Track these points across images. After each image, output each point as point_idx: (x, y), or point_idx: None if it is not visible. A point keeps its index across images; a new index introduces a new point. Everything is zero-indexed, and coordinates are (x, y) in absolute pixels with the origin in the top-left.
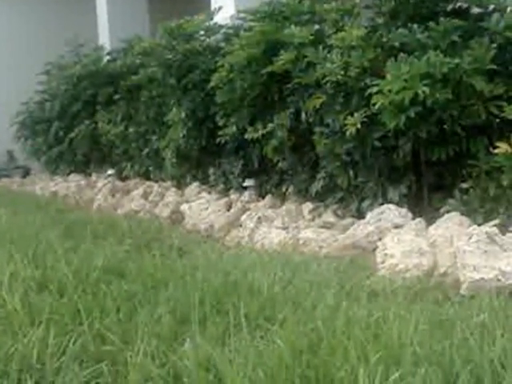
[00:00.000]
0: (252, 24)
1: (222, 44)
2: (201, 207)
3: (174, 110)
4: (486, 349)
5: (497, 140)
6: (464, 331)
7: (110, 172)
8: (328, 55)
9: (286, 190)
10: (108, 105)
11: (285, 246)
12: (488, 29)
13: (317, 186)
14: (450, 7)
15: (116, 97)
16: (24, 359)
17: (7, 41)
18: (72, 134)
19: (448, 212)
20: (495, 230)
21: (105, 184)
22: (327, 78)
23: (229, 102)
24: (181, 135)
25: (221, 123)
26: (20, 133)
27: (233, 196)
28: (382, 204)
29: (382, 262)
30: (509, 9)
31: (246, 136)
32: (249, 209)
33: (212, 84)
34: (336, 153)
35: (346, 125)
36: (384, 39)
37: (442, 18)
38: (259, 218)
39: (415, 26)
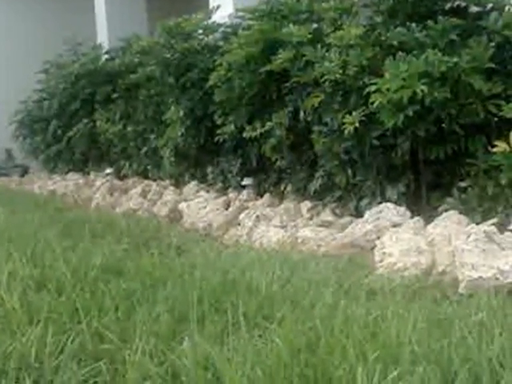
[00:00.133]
0: (250, 23)
1: (221, 43)
2: (199, 206)
3: (173, 108)
4: (485, 347)
5: (495, 139)
6: (462, 330)
7: (108, 171)
8: (326, 54)
9: (285, 188)
10: (106, 103)
11: (283, 245)
12: (486, 27)
13: (315, 184)
14: (448, 6)
15: (114, 95)
16: (22, 358)
17: (5, 39)
18: (70, 133)
19: (446, 211)
20: (493, 228)
21: (103, 183)
22: (325, 77)
23: (227, 100)
24: (179, 134)
25: (219, 122)
26: (18, 131)
27: (231, 195)
28: (381, 203)
29: (381, 261)
30: (507, 8)
31: (245, 135)
32: (247, 207)
33: (210, 83)
34: (334, 151)
35: (344, 123)
36: (382, 38)
37: (440, 17)
38: (257, 216)
39: (413, 24)
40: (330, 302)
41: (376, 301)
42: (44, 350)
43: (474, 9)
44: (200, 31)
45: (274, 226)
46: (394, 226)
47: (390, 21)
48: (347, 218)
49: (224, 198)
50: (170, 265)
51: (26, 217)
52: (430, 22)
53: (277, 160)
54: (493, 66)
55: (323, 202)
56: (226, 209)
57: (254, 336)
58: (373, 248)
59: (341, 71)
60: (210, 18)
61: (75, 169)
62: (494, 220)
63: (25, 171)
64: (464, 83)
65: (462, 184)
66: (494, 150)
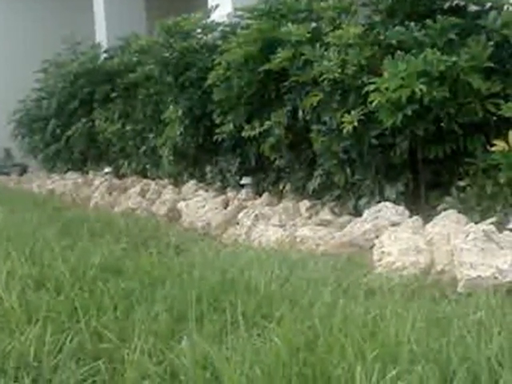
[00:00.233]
0: (249, 22)
1: (219, 42)
2: (198, 205)
3: (171, 107)
4: (483, 346)
5: (494, 138)
6: (461, 329)
7: (107, 170)
8: (325, 53)
9: (283, 187)
10: (105, 103)
11: (282, 244)
12: (485, 27)
13: (314, 183)
14: (446, 5)
15: (113, 95)
16: (21, 357)
17: (4, 38)
18: (69, 132)
19: (445, 210)
20: (492, 227)
21: (102, 182)
22: (324, 76)
23: (226, 99)
24: (178, 133)
25: (218, 121)
26: (17, 130)
27: (230, 194)
28: (379, 202)
29: (379, 260)
30: (506, 7)
31: (243, 134)
32: (246, 207)
33: (209, 82)
34: (333, 151)
35: (343, 123)
36: (381, 37)
37: (439, 16)
38: (256, 215)
39: (412, 23)
40: (329, 301)
41: (375, 300)
42: (43, 349)
43: (472, 8)
44: (199, 30)
45: (273, 225)
46: (393, 225)
47: (388, 20)
48: (346, 217)
49: (223, 197)
50: (169, 264)
51: (24, 216)
52: (428, 21)
53: (275, 159)
54: (491, 65)
55: (322, 201)
56: (225, 208)
57: (252, 335)
58: (371, 247)
59: (339, 70)
60: (208, 17)
61: (74, 168)
62: (493, 219)
63: (23, 170)
64: (463, 82)
65: (461, 183)
66: (493, 149)
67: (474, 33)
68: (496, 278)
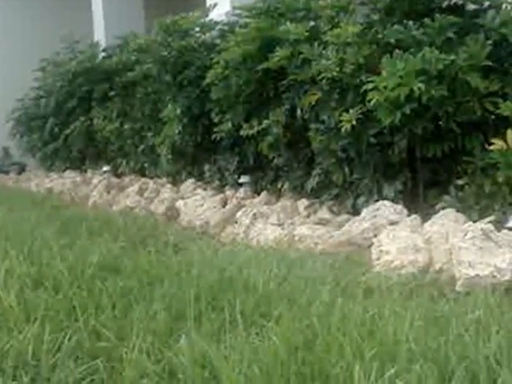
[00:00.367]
0: (247, 21)
1: (218, 41)
2: (196, 204)
3: (170, 106)
4: (482, 345)
5: (492, 136)
6: (459, 328)
7: (105, 168)
8: (323, 52)
9: (282, 186)
10: (103, 101)
11: (280, 243)
12: (483, 25)
13: (312, 182)
14: (445, 4)
15: (111, 93)
16: (19, 355)
17: (2, 37)
18: (67, 131)
19: (443, 208)
20: (490, 226)
21: (100, 180)
22: (322, 75)
23: (224, 98)
24: (176, 132)
25: (216, 120)
26: (15, 129)
27: (228, 192)
28: (378, 200)
29: (378, 259)
30: (504, 5)
31: (242, 132)
32: (244, 205)
33: (207, 80)
34: (331, 149)
35: (341, 121)
36: (379, 36)
37: (437, 15)
38: (254, 214)
39: (410, 22)
40: (327, 299)
41: (373, 299)
42: (41, 347)
43: (471, 6)
44: (197, 29)
45: (271, 224)
46: (391, 223)
47: (387, 19)
48: (344, 216)
49: (221, 195)
50: (167, 263)
51: (23, 215)
52: (427, 20)
53: (274, 158)
54: (490, 63)
55: (320, 200)
56: (223, 207)
57: (250, 334)
58: (370, 246)
59: (338, 69)
60: (207, 15)
61: (72, 167)
62: (491, 218)
63: (22, 169)
64: (461, 81)
65: (459, 182)
66: (491, 147)
67: (472, 31)
68: (494, 276)
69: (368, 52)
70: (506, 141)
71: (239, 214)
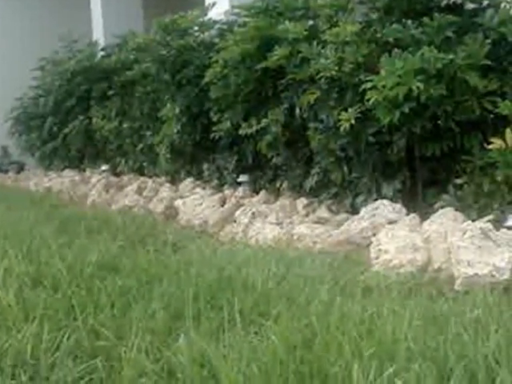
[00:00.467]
0: (246, 20)
1: (216, 40)
2: (195, 203)
3: (168, 105)
4: (480, 344)
5: (491, 136)
6: (458, 327)
7: (104, 168)
8: (322, 51)
9: (280, 185)
10: (102, 100)
11: (279, 242)
12: (482, 24)
13: (311, 181)
14: (444, 3)
15: (110, 92)
16: (18, 355)
17: (1, 36)
18: (66, 130)
19: (442, 207)
20: (489, 225)
21: (99, 179)
22: (321, 74)
23: (223, 97)
24: (175, 131)
25: (215, 119)
26: (14, 128)
27: (227, 191)
28: (376, 199)
29: (376, 258)
30: (503, 4)
31: (240, 132)
32: (243, 204)
33: (206, 80)
34: (330, 148)
35: (340, 120)
36: (378, 35)
37: (436, 14)
38: (253, 213)
39: (409, 21)
40: (326, 298)
41: (372, 298)
42: (40, 346)
43: (469, 6)
44: (196, 28)
45: (270, 223)
46: (390, 222)
47: (385, 18)
48: (343, 215)
49: (220, 194)
50: (166, 262)
51: (21, 213)
52: (425, 19)
53: (273, 157)
54: (489, 62)
55: (319, 199)
56: (222, 206)
57: (249, 333)
58: (368, 245)
59: (336, 68)
60: (205, 14)
61: (71, 166)
62: (490, 217)
63: (21, 168)
64: (460, 80)
65: (458, 181)
66: (490, 146)
67: (471, 31)
68: (493, 275)
69: (367, 51)
70: (504, 140)
71: (238, 213)
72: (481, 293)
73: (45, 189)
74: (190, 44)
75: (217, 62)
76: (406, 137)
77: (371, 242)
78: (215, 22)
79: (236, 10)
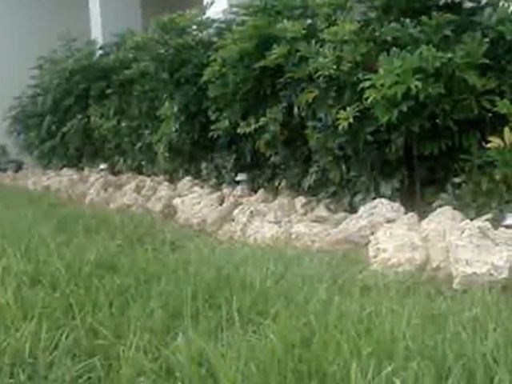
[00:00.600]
0: (244, 18)
1: (215, 38)
2: (193, 201)
3: (167, 104)
4: (479, 343)
5: (489, 134)
6: (456, 325)
7: (102, 166)
8: (320, 49)
9: (279, 184)
10: (100, 99)
11: (277, 241)
12: (480, 23)
13: (309, 180)
14: (442, 1)
15: (108, 91)
16: (16, 353)
17: (0, 36)
18: (64, 129)
19: (440, 206)
20: (487, 224)
21: (97, 178)
22: (320, 73)
23: (221, 96)
24: (173, 129)
25: (213, 117)
26: (13, 127)
27: (225, 190)
28: (375, 198)
29: (375, 257)
30: (501, 3)
31: (239, 130)
32: (241, 203)
33: (204, 78)
34: (328, 147)
35: (338, 119)
36: (376, 33)
37: (434, 13)
38: (252, 212)
39: (408, 20)
40: (324, 297)
41: (370, 296)
42: (38, 345)
43: (468, 4)
44: (194, 27)
45: (268, 222)
46: (388, 221)
47: (384, 16)
48: (341, 214)
49: (218, 193)
50: (164, 260)
51: (20, 212)
52: (424, 18)
53: (271, 156)
54: (487, 61)
55: (317, 198)
56: (220, 204)
57: (248, 332)
58: (367, 244)
59: (335, 67)
60: (204, 13)
61: (69, 164)
62: (488, 216)
63: (19, 167)
64: (458, 79)
65: (456, 180)
66: (488, 145)
67: (469, 29)
68: (491, 274)
69: (365, 50)
70: (503, 138)
71: (236, 211)
72: (479, 291)
73: (43, 187)
74: (189, 43)
75: (215, 60)
76: (404, 135)
77: (369, 241)
78: (213, 20)
79: (234, 9)
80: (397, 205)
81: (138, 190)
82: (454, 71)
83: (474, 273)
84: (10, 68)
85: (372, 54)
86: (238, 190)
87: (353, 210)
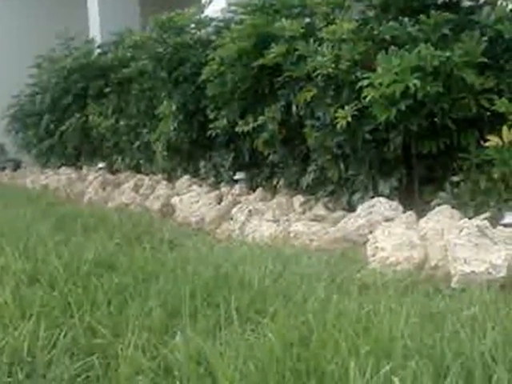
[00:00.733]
0: (243, 17)
1: (213, 37)
2: (191, 200)
3: (165, 102)
4: (477, 342)
5: (487, 133)
6: (455, 324)
7: (100, 165)
8: (319, 48)
9: (277, 182)
10: (99, 98)
11: (275, 239)
12: (479, 22)
13: (308, 178)
14: (440, 0)
15: (107, 90)
16: (15, 352)
17: None
18: (63, 127)
19: (439, 205)
20: (486, 223)
21: (95, 177)
22: (318, 71)
23: (220, 95)
24: (172, 128)
25: (211, 116)
26: (11, 126)
27: (224, 189)
28: (373, 197)
29: (373, 255)
30: (499, 2)
31: (237, 129)
32: (239, 202)
33: (203, 77)
34: (327, 146)
35: (336, 118)
36: (375, 32)
37: (432, 11)
38: (250, 211)
39: (406, 19)
40: (323, 296)
41: (368, 295)
42: (36, 344)
43: (466, 3)
44: (192, 25)
45: (267, 221)
46: (387, 220)
47: (382, 15)
48: (340, 213)
49: (216, 192)
50: (163, 259)
51: (18, 211)
52: (422, 17)
53: (269, 154)
54: (485, 60)
55: (316, 197)
56: (219, 203)
57: (246, 330)
58: (365, 242)
59: (333, 65)
60: (202, 12)
61: (68, 163)
62: (487, 214)
63: (17, 165)
64: (456, 77)
65: (455, 178)
66: (487, 144)
67: (467, 28)
68: (490, 273)
69: (363, 48)
70: (501, 137)
71: (234, 210)
72: (477, 290)
73: (41, 186)
74: (187, 41)
75: (213, 59)
76: (402, 134)
77: (368, 240)
78: (212, 19)
79: (233, 8)
80: (395, 203)
81: (136, 188)
82: (452, 70)
83: (473, 271)
84: (8, 67)
85: (370, 52)
86: (237, 188)
87: (351, 208)
